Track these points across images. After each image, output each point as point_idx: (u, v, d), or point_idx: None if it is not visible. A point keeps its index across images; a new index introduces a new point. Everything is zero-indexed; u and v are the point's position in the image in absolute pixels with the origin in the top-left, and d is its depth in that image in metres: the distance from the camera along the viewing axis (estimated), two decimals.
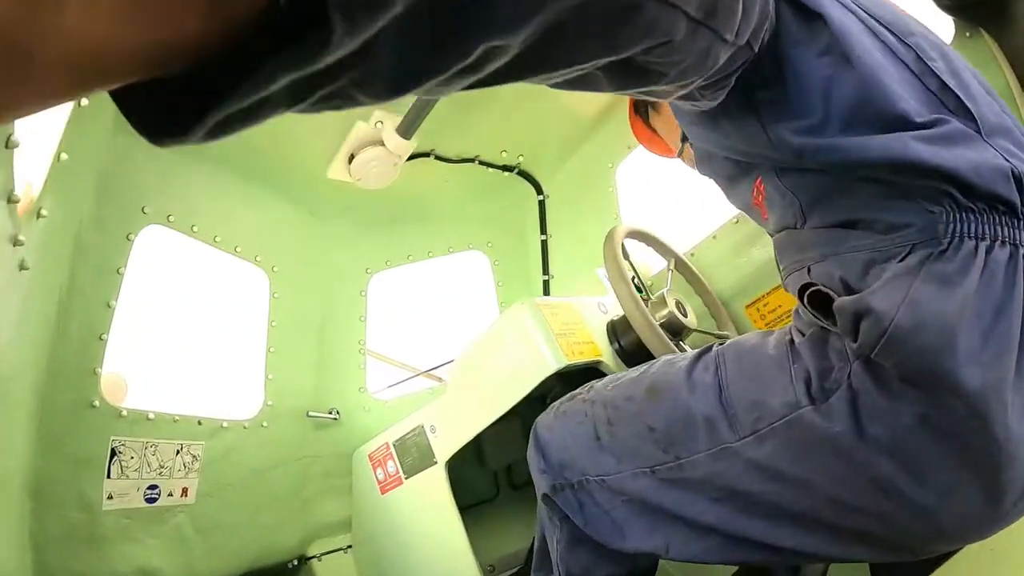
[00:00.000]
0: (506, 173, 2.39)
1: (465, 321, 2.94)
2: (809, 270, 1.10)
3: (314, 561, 2.16)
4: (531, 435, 1.53)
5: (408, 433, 1.93)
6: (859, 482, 1.03)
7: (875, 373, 0.99)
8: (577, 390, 1.53)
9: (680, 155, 1.68)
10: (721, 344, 1.29)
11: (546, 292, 2.51)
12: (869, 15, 1.04)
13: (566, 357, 1.66)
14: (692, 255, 2.16)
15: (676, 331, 1.80)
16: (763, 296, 2.09)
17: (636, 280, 2.15)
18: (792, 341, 1.14)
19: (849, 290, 1.02)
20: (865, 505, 1.04)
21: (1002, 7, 1.54)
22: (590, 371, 1.76)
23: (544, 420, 1.52)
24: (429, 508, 1.90)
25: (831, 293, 1.02)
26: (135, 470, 1.73)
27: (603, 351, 1.79)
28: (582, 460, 1.38)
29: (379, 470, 2.03)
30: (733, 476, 1.16)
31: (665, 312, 1.82)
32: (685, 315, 1.86)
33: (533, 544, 2.18)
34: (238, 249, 1.96)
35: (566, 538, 1.46)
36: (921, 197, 0.96)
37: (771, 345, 1.20)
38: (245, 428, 1.98)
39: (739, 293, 2.13)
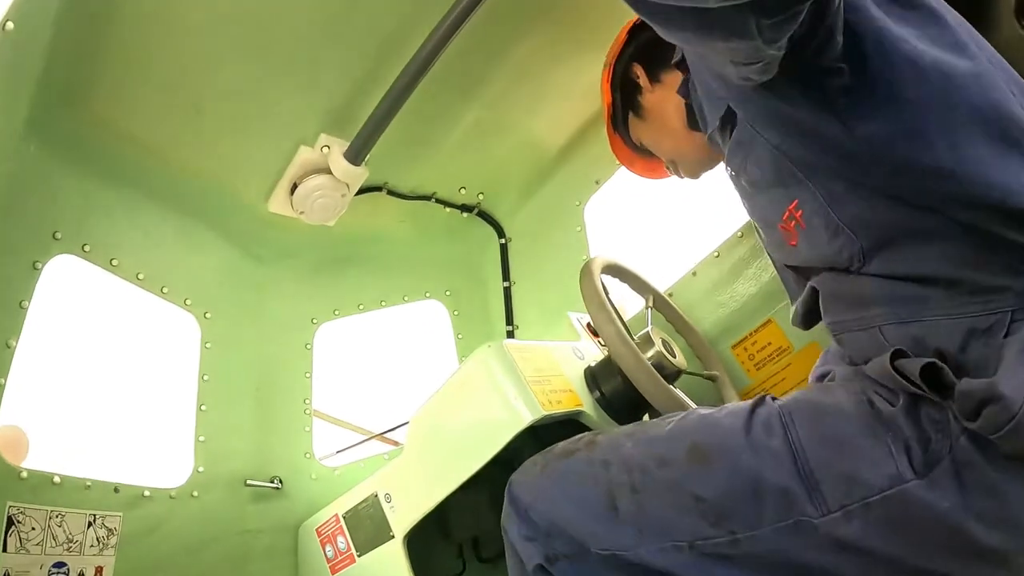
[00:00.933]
0: (465, 214, 2.28)
1: (422, 378, 2.77)
2: (882, 331, 1.07)
3: None
4: (507, 496, 1.41)
5: (360, 503, 1.74)
6: (963, 554, 1.00)
7: (982, 447, 0.96)
8: (568, 443, 1.41)
9: (674, 163, 1.57)
10: (775, 399, 1.20)
11: None
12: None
13: (542, 407, 1.49)
14: (670, 295, 2.04)
15: (666, 374, 1.63)
16: (750, 335, 1.98)
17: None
18: (873, 404, 1.07)
19: (946, 361, 0.98)
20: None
21: (983, 8, 1.54)
22: (564, 427, 1.58)
23: (524, 479, 1.39)
24: None
25: (946, 370, 0.96)
26: (37, 544, 1.48)
27: (583, 400, 1.62)
28: (585, 529, 1.25)
29: (328, 547, 1.81)
30: (804, 552, 1.08)
31: (653, 352, 1.68)
32: (674, 355, 1.71)
33: None
34: (165, 290, 1.79)
35: None
36: (1011, 252, 0.92)
37: (848, 408, 1.11)
38: (172, 498, 1.75)
39: (724, 332, 2.02)
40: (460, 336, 2.39)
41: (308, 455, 2.06)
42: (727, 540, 1.10)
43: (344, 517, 1.78)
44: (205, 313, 1.88)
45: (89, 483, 1.59)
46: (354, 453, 2.14)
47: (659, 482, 1.18)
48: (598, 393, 1.67)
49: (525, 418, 1.50)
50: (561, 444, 1.42)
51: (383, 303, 2.23)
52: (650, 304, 1.89)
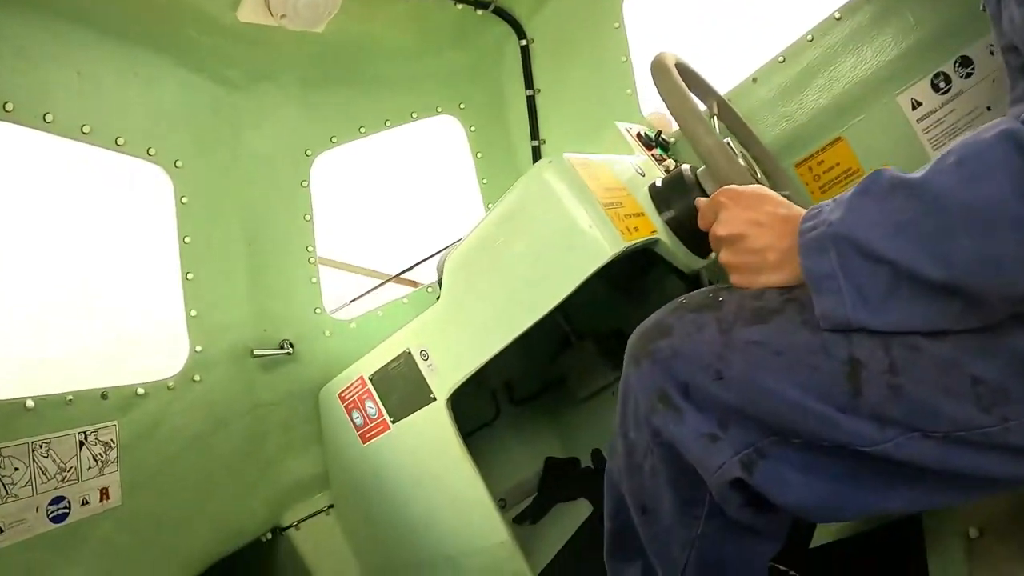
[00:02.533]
0: (479, 11, 1.97)
1: (439, 207, 2.55)
2: None
3: (291, 531, 1.87)
4: (655, 374, 1.13)
5: (391, 363, 1.57)
6: None
7: None
8: (749, 297, 1.13)
9: None
10: None
11: (535, 160, 2.11)
12: None
13: (622, 236, 1.28)
14: (729, 101, 1.80)
15: None
16: (816, 153, 1.81)
17: (662, 137, 1.86)
18: None
19: None
20: None
21: None
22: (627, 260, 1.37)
23: (690, 349, 1.11)
24: (428, 455, 1.59)
25: None
26: (25, 485, 1.33)
27: (653, 220, 1.41)
28: (811, 419, 1.04)
29: (355, 413, 1.69)
30: None
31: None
32: (756, 171, 1.52)
33: (545, 472, 2.02)
34: (120, 142, 1.50)
35: (720, 526, 1.17)
36: None
37: None
38: (171, 388, 1.60)
39: (786, 148, 1.85)
40: (479, 155, 2.15)
41: (319, 310, 1.87)
42: (998, 428, 0.99)
43: (371, 380, 1.63)
44: (175, 162, 1.60)
45: (70, 397, 1.42)
46: (370, 300, 1.99)
47: (929, 360, 1.01)
48: (670, 213, 1.43)
49: (604, 251, 1.26)
50: (732, 294, 1.15)
51: (388, 123, 1.95)
52: (714, 111, 1.68)
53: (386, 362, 1.58)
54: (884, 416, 1.02)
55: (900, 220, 0.95)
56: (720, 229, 1.20)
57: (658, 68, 1.42)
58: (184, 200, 1.63)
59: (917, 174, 0.96)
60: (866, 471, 1.08)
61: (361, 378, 1.65)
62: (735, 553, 1.22)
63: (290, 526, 1.88)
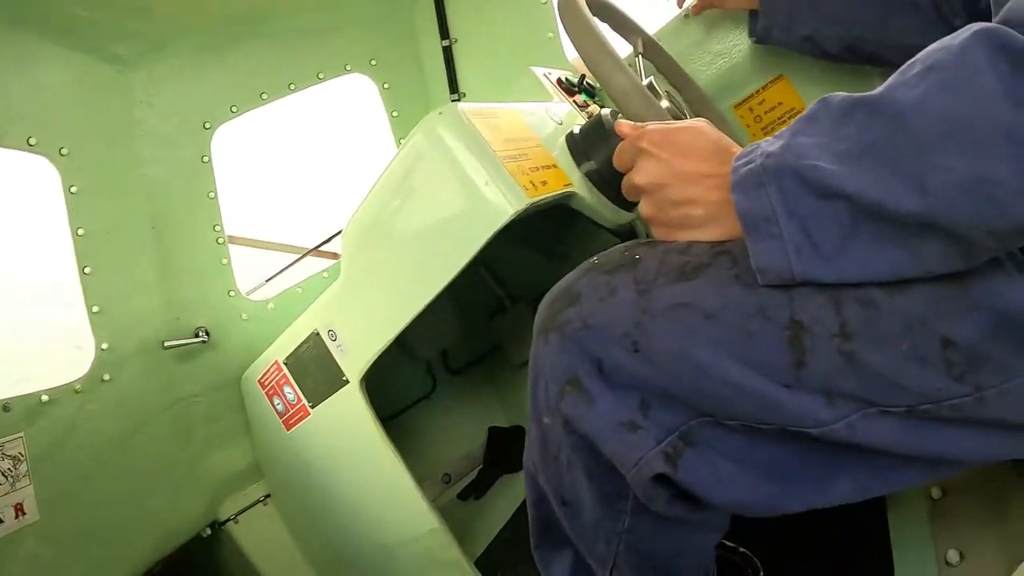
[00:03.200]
0: None
1: (356, 173, 2.45)
2: None
3: (230, 524, 1.81)
4: (558, 347, 0.97)
5: (301, 345, 1.50)
6: None
7: None
8: (675, 251, 0.98)
9: None
10: None
11: None
12: None
13: (525, 192, 1.14)
14: (658, 40, 1.72)
15: None
16: (757, 92, 1.75)
17: (586, 81, 1.73)
18: None
19: None
20: None
21: None
22: (544, 217, 1.30)
23: (600, 317, 0.94)
24: (348, 441, 1.53)
25: None
26: None
27: (572, 177, 1.29)
28: (741, 395, 0.90)
29: (276, 399, 1.62)
30: None
31: (664, 106, 1.35)
32: (683, 113, 1.43)
33: (489, 443, 1.98)
34: None
35: (649, 520, 1.03)
36: None
37: None
38: (79, 392, 1.52)
39: (724, 89, 1.78)
40: (395, 114, 2.04)
41: (233, 293, 1.79)
42: (971, 399, 0.85)
43: (286, 364, 1.56)
44: (60, 149, 1.49)
45: None
46: (288, 277, 1.91)
47: (890, 321, 0.85)
48: (590, 164, 1.32)
49: (504, 210, 1.13)
50: (652, 249, 0.99)
51: (292, 87, 1.83)
52: (640, 50, 1.59)
53: (297, 344, 1.52)
54: (834, 390, 0.87)
55: (859, 144, 0.80)
56: (637, 177, 1.04)
57: (567, 7, 1.31)
58: (74, 190, 1.52)
59: (874, 91, 0.81)
60: (813, 457, 0.95)
61: (276, 363, 1.59)
62: (670, 546, 1.09)
63: (228, 520, 1.83)
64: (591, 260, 1.03)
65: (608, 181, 1.33)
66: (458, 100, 2.01)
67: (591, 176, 1.33)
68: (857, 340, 0.86)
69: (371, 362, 1.39)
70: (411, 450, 1.92)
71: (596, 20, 1.35)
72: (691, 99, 1.66)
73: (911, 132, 0.77)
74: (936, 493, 1.46)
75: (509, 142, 1.21)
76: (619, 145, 1.09)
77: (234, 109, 1.74)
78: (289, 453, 1.67)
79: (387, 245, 1.30)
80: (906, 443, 0.89)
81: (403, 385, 1.96)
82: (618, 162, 1.10)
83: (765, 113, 1.75)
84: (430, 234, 1.22)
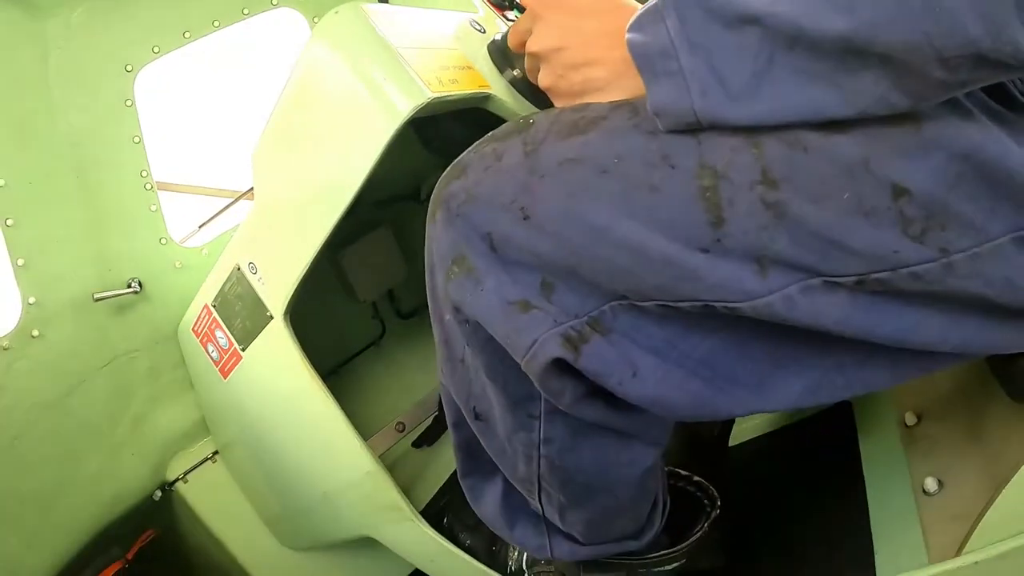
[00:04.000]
0: None
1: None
2: None
3: (180, 484, 1.82)
4: (447, 227, 0.88)
5: (226, 283, 1.47)
6: None
7: None
8: (571, 109, 0.89)
9: None
10: None
11: None
12: None
13: (427, 86, 1.06)
14: None
15: None
16: None
17: None
18: None
19: None
20: None
21: None
22: (466, 126, 1.26)
23: (485, 188, 0.86)
24: (280, 382, 1.50)
25: None
26: None
27: (493, 86, 1.22)
28: (656, 267, 0.78)
29: (210, 346, 1.61)
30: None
31: None
32: None
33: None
34: None
35: (566, 427, 0.95)
36: None
37: None
38: (6, 349, 1.51)
39: None
40: None
41: (164, 240, 1.77)
42: (936, 265, 0.74)
43: (214, 306, 1.55)
44: None
45: None
46: (222, 223, 1.90)
47: (825, 164, 0.73)
48: (515, 72, 1.25)
49: (400, 108, 1.06)
50: (548, 112, 0.91)
51: (216, 24, 1.78)
52: None
53: (222, 284, 1.49)
54: (765, 254, 0.76)
55: None
56: (532, 44, 0.96)
57: None
58: None
59: None
60: (749, 349, 0.86)
61: (206, 306, 1.57)
62: (596, 462, 1.00)
63: (177, 479, 1.83)
64: (489, 133, 0.94)
65: (534, 88, 1.29)
66: None
67: (516, 84, 1.27)
68: (785, 188, 0.74)
69: (292, 292, 1.35)
70: (363, 399, 1.93)
71: None
72: None
73: None
74: (910, 419, 1.43)
75: (418, 41, 1.16)
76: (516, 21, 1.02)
77: (156, 50, 1.70)
78: (229, 403, 1.67)
79: (293, 162, 1.27)
80: (860, 323, 0.78)
81: (349, 331, 1.94)
82: (513, 37, 1.05)
83: None
84: (332, 143, 1.18)
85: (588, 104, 0.88)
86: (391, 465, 1.66)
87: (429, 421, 1.95)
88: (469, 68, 1.21)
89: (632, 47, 0.76)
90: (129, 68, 1.68)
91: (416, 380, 2.00)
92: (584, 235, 0.80)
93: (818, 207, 0.73)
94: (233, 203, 1.88)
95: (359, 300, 1.81)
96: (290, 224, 1.31)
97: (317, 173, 1.22)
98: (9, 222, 1.52)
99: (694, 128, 0.76)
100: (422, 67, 1.10)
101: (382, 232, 1.76)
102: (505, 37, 1.29)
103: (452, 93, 1.11)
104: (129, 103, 1.69)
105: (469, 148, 0.93)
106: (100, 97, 1.66)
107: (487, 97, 1.21)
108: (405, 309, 2.04)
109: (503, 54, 1.28)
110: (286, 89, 1.21)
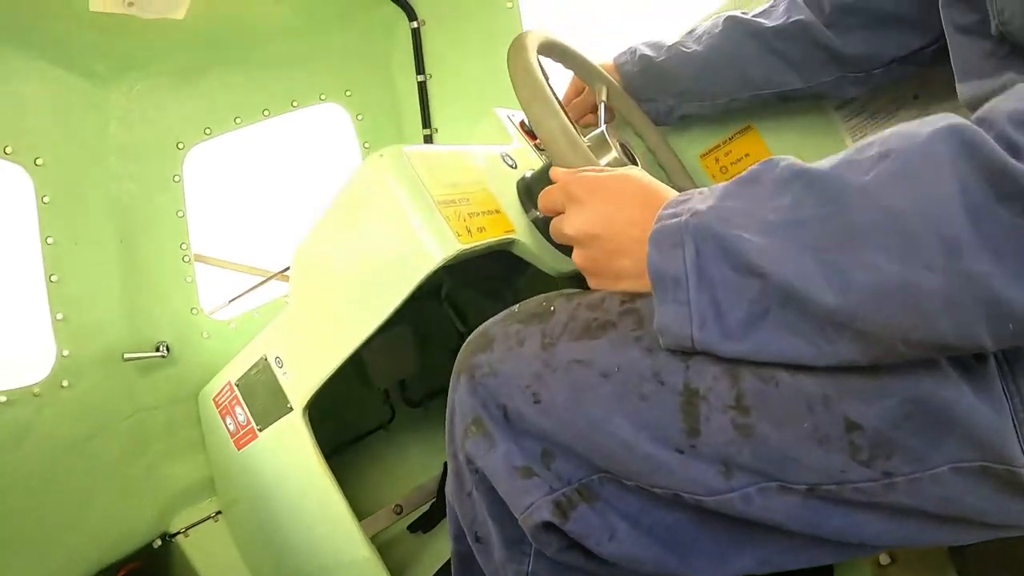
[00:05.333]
0: None
1: (325, 200, 2.57)
2: None
3: (180, 538, 1.88)
4: (467, 395, 1.02)
5: (251, 369, 1.57)
6: None
7: None
8: (586, 303, 1.02)
9: None
10: None
11: None
12: None
13: (457, 238, 1.20)
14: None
15: None
16: (724, 143, 1.83)
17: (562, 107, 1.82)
18: None
19: None
20: None
21: None
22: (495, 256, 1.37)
23: (506, 367, 1.00)
24: (292, 466, 1.58)
25: None
26: None
27: (516, 224, 1.34)
28: (639, 461, 0.91)
29: (228, 419, 1.70)
30: (979, 501, 0.84)
31: (609, 158, 1.39)
32: (636, 162, 1.45)
33: (443, 476, 2.03)
34: None
35: (551, 567, 1.05)
36: None
37: None
38: (37, 395, 1.59)
39: (691, 139, 1.86)
40: (367, 145, 2.13)
41: (195, 311, 1.87)
42: (879, 484, 0.83)
43: (237, 385, 1.64)
44: (35, 159, 1.57)
45: None
46: (251, 299, 2.00)
47: (790, 398, 0.84)
48: (538, 212, 1.37)
49: (432, 257, 1.19)
50: (568, 303, 1.03)
51: (267, 113, 1.93)
52: (603, 97, 1.64)
53: (248, 367, 1.59)
54: (731, 461, 0.87)
55: (790, 218, 0.77)
56: (567, 227, 1.08)
57: (513, 49, 1.34)
58: (46, 199, 1.61)
59: (824, 163, 0.79)
60: (710, 528, 0.96)
61: (229, 383, 1.66)
62: None
63: (179, 532, 1.89)
64: (512, 307, 1.10)
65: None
66: (430, 135, 2.12)
67: (537, 223, 1.40)
68: (754, 414, 0.86)
69: (314, 392, 1.45)
70: (365, 479, 2.00)
71: (551, 63, 1.44)
72: (655, 148, 1.74)
73: (847, 218, 0.74)
74: (884, 560, 1.48)
75: (452, 186, 1.28)
76: (546, 189, 1.18)
77: (208, 131, 1.84)
78: (239, 472, 1.74)
79: (330, 277, 1.38)
80: (807, 522, 0.89)
81: (361, 412, 2.03)
82: (543, 205, 1.20)
83: (731, 164, 1.82)
84: (367, 272, 1.30)
85: (603, 301, 1.02)
86: (386, 545, 1.73)
87: (426, 507, 2.00)
88: (497, 212, 1.34)
89: (650, 265, 0.88)
90: (181, 145, 1.83)
91: (418, 466, 2.08)
92: (583, 423, 0.94)
93: (780, 431, 0.85)
94: (263, 283, 1.99)
95: (375, 386, 1.89)
96: (321, 330, 1.41)
97: (353, 291, 1.33)
98: (54, 278, 1.63)
99: (688, 350, 0.89)
100: (454, 216, 1.23)
101: (403, 328, 1.86)
102: (534, 178, 1.43)
103: (479, 243, 1.25)
104: (177, 179, 1.83)
105: (496, 319, 1.09)
106: (151, 170, 1.80)
107: (511, 242, 1.34)
108: (414, 398, 2.12)
109: (529, 194, 1.41)
110: (334, 205, 1.34)
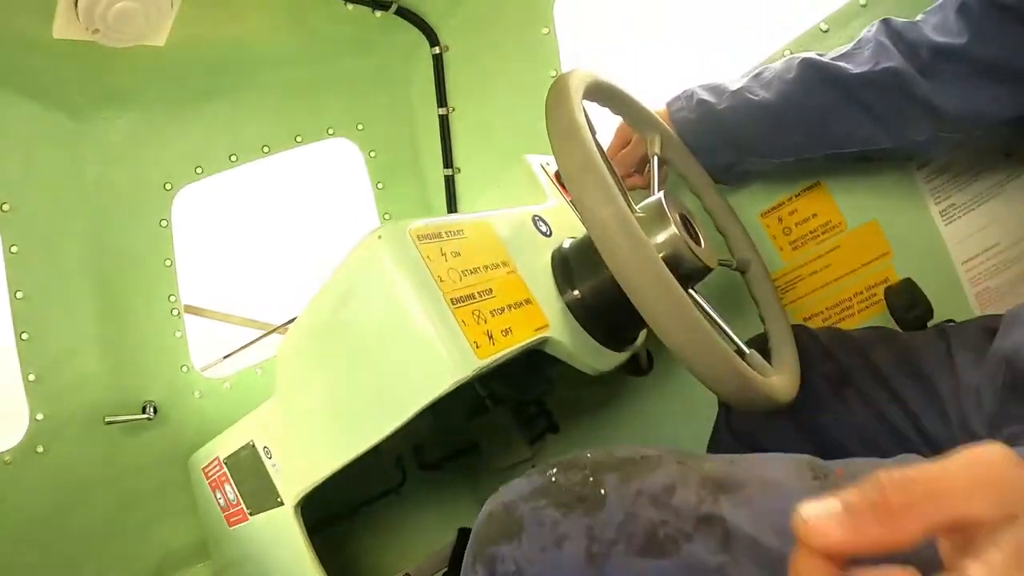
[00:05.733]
0: (377, 13, 1.69)
1: (333, 246, 2.36)
2: None
3: None
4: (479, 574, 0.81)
5: (241, 450, 1.41)
6: None
7: None
8: (649, 505, 0.75)
9: None
10: None
11: (450, 194, 1.90)
12: None
13: (475, 351, 0.99)
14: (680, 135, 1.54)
15: (687, 272, 1.13)
16: (788, 200, 1.60)
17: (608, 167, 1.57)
18: None
19: None
20: None
21: None
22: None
23: (541, 563, 0.77)
24: (283, 558, 1.41)
25: None
26: None
27: (550, 314, 1.12)
28: None
29: (218, 493, 1.54)
30: None
31: (665, 237, 1.14)
32: (698, 240, 1.20)
33: (457, 544, 1.88)
34: None
35: None
36: None
37: None
38: (8, 463, 1.47)
39: (751, 196, 1.64)
40: (380, 186, 1.91)
41: (186, 368, 1.70)
42: None
43: (226, 463, 1.48)
44: (2, 205, 1.43)
45: None
46: (249, 355, 1.83)
47: None
48: (574, 293, 1.16)
49: (442, 378, 0.98)
50: (625, 487, 0.78)
51: (266, 149, 1.73)
52: (655, 149, 1.38)
53: (237, 448, 1.42)
54: None
55: None
56: None
57: (553, 99, 1.08)
58: (14, 249, 1.46)
59: None
60: None
61: (218, 459, 1.50)
62: None
63: None
64: (548, 470, 0.84)
65: (596, 315, 1.18)
66: (451, 176, 1.90)
67: (573, 308, 1.17)
68: None
69: (306, 492, 1.27)
70: (375, 544, 1.85)
71: (600, 111, 1.21)
72: (712, 208, 1.51)
73: None
74: None
75: (470, 274, 1.06)
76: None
77: (199, 170, 1.66)
78: (231, 546, 1.59)
79: (321, 378, 1.18)
80: None
81: (370, 476, 1.86)
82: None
83: (796, 225, 1.59)
84: (365, 381, 1.10)
85: (673, 491, 0.76)
86: None
87: None
88: (527, 303, 1.12)
89: None
90: (168, 187, 1.65)
91: (430, 532, 1.92)
92: None
93: None
94: (261, 338, 1.81)
95: (384, 452, 1.72)
96: (313, 430, 1.22)
97: (348, 400, 1.13)
98: (24, 335, 1.49)
99: None
100: (472, 318, 1.02)
101: None
102: (573, 250, 1.20)
103: (503, 351, 1.03)
104: (164, 224, 1.66)
105: (524, 489, 0.83)
106: (135, 214, 1.63)
107: (545, 340, 1.12)
108: (428, 460, 1.94)
109: (566, 272, 1.19)
110: (325, 292, 1.12)
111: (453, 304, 1.01)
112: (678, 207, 1.22)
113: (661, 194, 1.21)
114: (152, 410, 1.65)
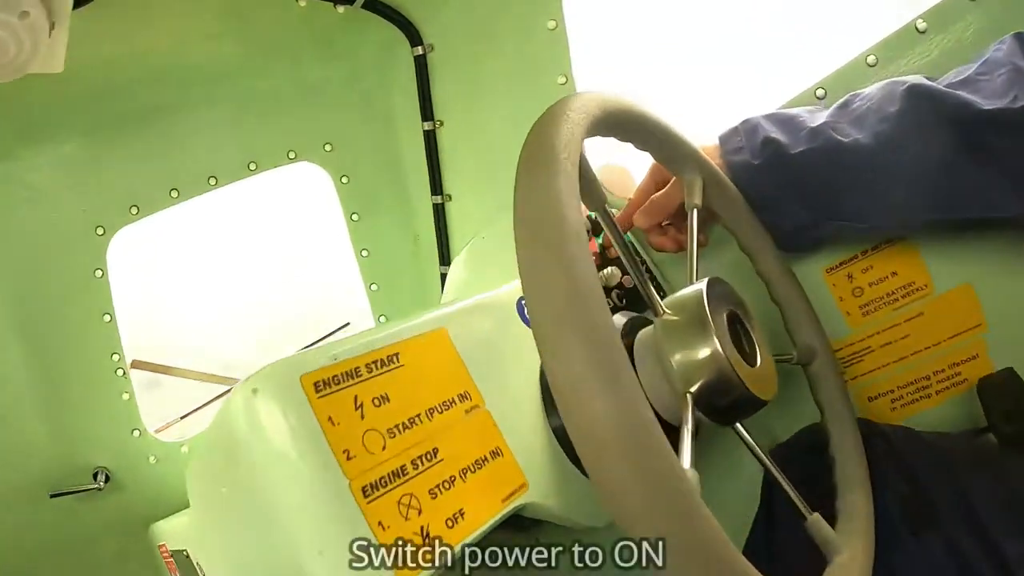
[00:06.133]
0: (341, 8, 1.38)
1: (301, 283, 2.07)
2: None
3: None
4: None
5: (181, 551, 1.22)
6: None
7: None
8: None
9: None
10: None
11: (439, 223, 1.60)
12: None
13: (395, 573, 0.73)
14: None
15: (730, 405, 0.85)
16: (861, 255, 1.26)
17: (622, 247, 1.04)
18: None
19: None
20: None
21: None
22: None
23: None
24: None
25: None
26: None
27: (528, 461, 0.88)
28: None
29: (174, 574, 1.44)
30: None
31: (705, 355, 0.83)
32: (752, 355, 0.91)
33: None
34: None
35: None
36: None
37: None
38: None
39: (815, 249, 1.27)
40: (355, 217, 1.64)
41: (138, 432, 1.51)
42: None
43: (173, 554, 1.28)
44: None
45: None
46: (207, 415, 1.62)
47: None
48: (559, 420, 0.86)
49: None
50: None
51: (213, 182, 1.48)
52: (696, 199, 1.02)
53: (178, 547, 1.23)
54: None
55: None
56: None
57: (534, 146, 0.74)
58: None
59: None
60: None
61: (164, 547, 1.32)
62: None
63: None
64: None
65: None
66: (442, 204, 1.58)
67: (558, 434, 0.91)
68: None
69: None
70: None
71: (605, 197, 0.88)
72: (769, 275, 1.15)
73: None
74: None
75: (403, 430, 0.78)
76: None
77: (135, 211, 1.43)
78: None
79: (227, 525, 0.91)
80: None
81: None
82: None
83: (869, 285, 1.25)
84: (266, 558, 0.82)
85: None
86: None
87: None
88: (496, 456, 0.85)
89: None
90: (101, 231, 1.43)
91: None
92: None
93: None
94: (221, 396, 1.58)
95: None
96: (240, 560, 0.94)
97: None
98: None
99: None
100: (397, 514, 0.74)
101: None
102: None
103: (470, 536, 0.77)
104: (99, 274, 1.44)
105: None
106: (65, 264, 1.43)
107: (523, 506, 0.86)
108: None
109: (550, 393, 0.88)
110: (206, 441, 0.86)
111: (365, 496, 0.73)
112: (725, 302, 0.90)
113: (703, 285, 0.88)
114: (104, 478, 1.49)
